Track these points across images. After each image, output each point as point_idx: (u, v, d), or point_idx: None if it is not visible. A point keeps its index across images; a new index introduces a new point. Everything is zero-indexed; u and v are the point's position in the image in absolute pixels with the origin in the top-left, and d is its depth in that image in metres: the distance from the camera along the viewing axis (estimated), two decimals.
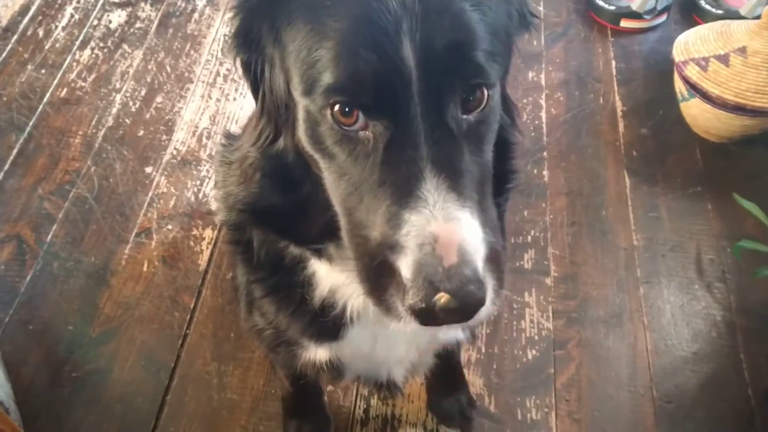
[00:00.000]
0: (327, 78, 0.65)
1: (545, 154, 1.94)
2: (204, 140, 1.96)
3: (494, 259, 0.63)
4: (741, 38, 1.79)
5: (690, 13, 2.30)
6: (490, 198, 0.71)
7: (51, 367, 1.54)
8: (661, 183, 1.89)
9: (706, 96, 1.81)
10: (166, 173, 1.88)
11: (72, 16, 2.29)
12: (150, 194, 1.84)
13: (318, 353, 1.01)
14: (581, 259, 1.73)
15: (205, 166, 1.90)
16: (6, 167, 1.88)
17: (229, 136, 0.98)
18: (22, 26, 2.25)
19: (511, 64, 0.80)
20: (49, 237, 1.75)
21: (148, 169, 1.89)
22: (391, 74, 0.62)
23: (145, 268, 1.70)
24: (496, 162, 0.76)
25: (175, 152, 1.93)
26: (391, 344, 1.00)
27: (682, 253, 1.75)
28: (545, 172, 1.89)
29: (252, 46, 0.74)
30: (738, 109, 1.78)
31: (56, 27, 2.25)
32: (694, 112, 1.90)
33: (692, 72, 1.83)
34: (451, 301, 0.59)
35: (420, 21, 0.62)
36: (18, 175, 1.87)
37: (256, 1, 0.72)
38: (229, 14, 0.75)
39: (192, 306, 1.63)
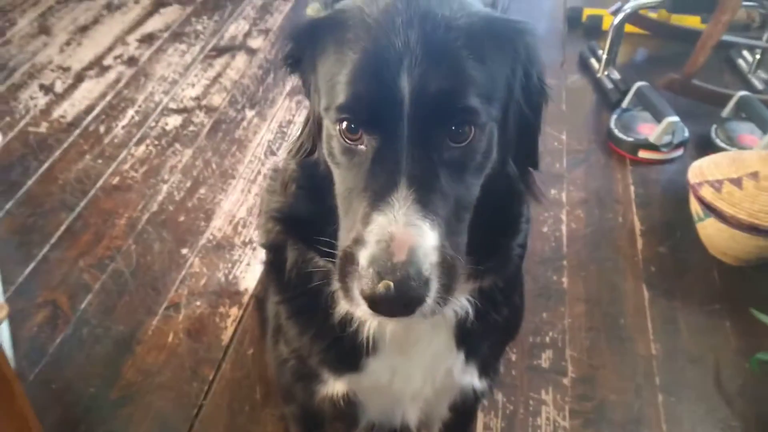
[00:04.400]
0: (339, 99, 0.77)
1: (565, 262, 2.00)
2: (240, 228, 2.07)
3: (446, 269, 0.73)
4: (753, 164, 1.90)
5: (705, 150, 2.43)
6: (463, 225, 0.80)
7: (67, 425, 1.56)
8: (679, 298, 1.92)
9: (721, 215, 1.89)
10: (200, 255, 1.98)
11: (132, 117, 2.51)
12: (183, 273, 1.92)
13: (336, 387, 1.04)
14: (599, 363, 1.74)
15: (238, 251, 2.00)
16: (53, 240, 2.00)
17: (276, 170, 1.08)
18: (85, 122, 2.47)
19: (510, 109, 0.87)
20: (83, 305, 1.82)
21: (184, 251, 1.99)
22: (387, 99, 0.74)
23: (170, 339, 1.75)
24: (505, 207, 0.86)
25: (211, 237, 2.04)
26: (409, 376, 1.03)
27: (701, 365, 1.75)
28: (564, 279, 1.95)
29: (300, 67, 0.88)
30: (752, 228, 1.85)
31: (117, 125, 2.46)
32: (711, 231, 1.97)
33: (707, 192, 1.92)
34: (390, 289, 0.68)
35: (419, 60, 0.74)
36: (62, 248, 1.98)
37: (301, 31, 0.85)
38: (283, 40, 0.90)
39: (211, 378, 1.66)
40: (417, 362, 1.02)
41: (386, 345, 0.97)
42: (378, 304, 0.70)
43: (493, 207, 0.86)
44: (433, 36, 0.75)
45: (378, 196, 0.73)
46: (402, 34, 0.75)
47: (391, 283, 0.68)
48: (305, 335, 1.01)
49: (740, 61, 2.93)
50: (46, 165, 2.27)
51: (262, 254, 1.19)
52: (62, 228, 2.04)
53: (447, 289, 0.74)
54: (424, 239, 0.71)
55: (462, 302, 0.94)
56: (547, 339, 1.80)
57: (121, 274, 1.91)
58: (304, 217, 0.92)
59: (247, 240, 2.03)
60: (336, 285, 0.77)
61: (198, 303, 1.85)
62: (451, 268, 0.74)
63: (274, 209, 0.93)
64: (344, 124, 0.78)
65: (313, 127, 0.89)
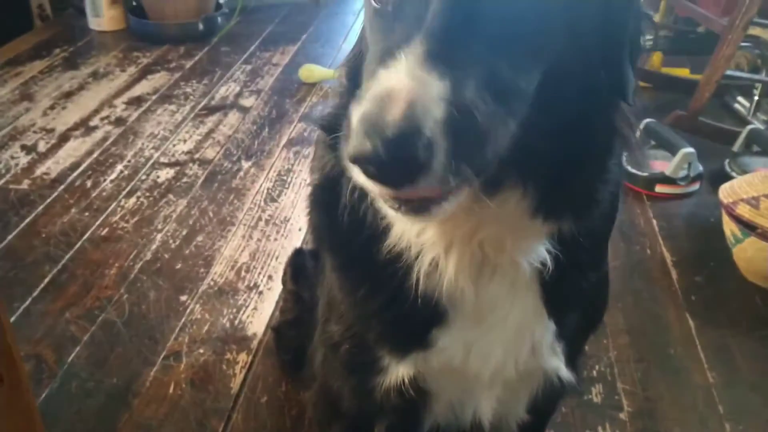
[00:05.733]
0: None
1: None
2: (243, 273, 1.89)
3: (461, 128, 0.57)
4: None
5: (722, 184, 2.35)
6: (507, 113, 0.63)
7: None
8: (726, 326, 1.77)
9: (762, 232, 1.78)
10: (201, 301, 1.79)
11: (121, 171, 2.36)
12: (183, 320, 1.72)
13: (400, 372, 0.86)
14: (656, 395, 1.56)
15: (243, 295, 1.81)
16: (35, 294, 1.80)
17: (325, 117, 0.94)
18: (70, 178, 2.31)
19: None
20: (71, 358, 1.61)
21: (183, 297, 1.80)
22: None
23: (171, 390, 1.53)
24: (589, 131, 0.71)
25: (212, 283, 1.85)
26: (487, 354, 0.86)
27: (763, 391, 1.58)
28: None
29: None
30: None
31: (105, 179, 2.31)
32: (750, 253, 1.85)
33: (744, 210, 1.82)
34: (378, 147, 0.55)
35: None
36: (47, 301, 1.78)
37: None
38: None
39: (220, 430, 1.44)
40: (497, 334, 0.85)
41: (459, 312, 0.80)
42: (367, 166, 0.57)
43: (572, 126, 0.70)
44: None
45: (389, 52, 0.60)
46: None
47: (378, 141, 0.55)
48: (359, 290, 0.84)
49: (737, 106, 2.92)
50: (28, 219, 2.09)
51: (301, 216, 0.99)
52: (46, 280, 1.85)
53: (464, 157, 0.58)
54: (427, 90, 0.57)
55: (540, 252, 0.79)
56: (595, 373, 1.62)
57: (112, 324, 1.71)
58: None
59: (252, 284, 1.85)
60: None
61: (201, 350, 1.64)
62: (469, 128, 0.58)
63: (324, 116, 0.80)
64: None
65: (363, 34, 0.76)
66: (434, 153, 0.56)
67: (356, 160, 0.57)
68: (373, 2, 0.68)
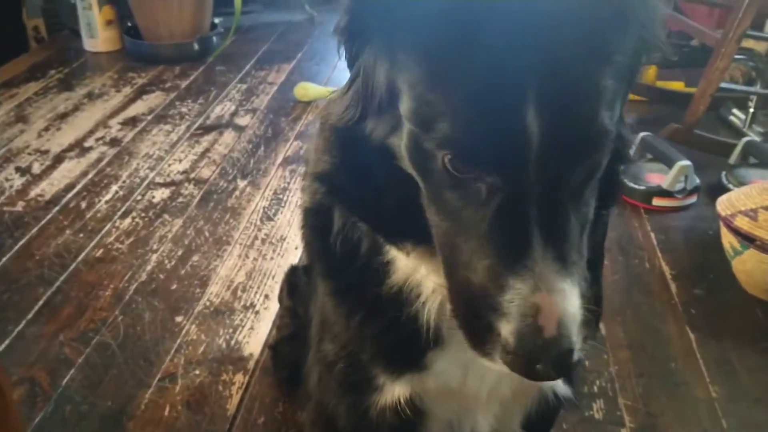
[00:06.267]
0: (444, 128, 0.62)
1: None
2: (239, 293, 1.88)
3: (587, 322, 0.66)
4: None
5: (719, 197, 2.34)
6: (585, 248, 0.68)
7: None
8: (728, 339, 1.76)
9: (761, 245, 1.77)
10: (197, 322, 1.77)
11: (116, 192, 2.35)
12: (178, 341, 1.70)
13: (396, 391, 0.85)
14: (657, 410, 1.54)
15: (239, 315, 1.79)
16: (29, 316, 1.78)
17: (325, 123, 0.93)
18: (65, 200, 2.30)
19: None
20: (65, 381, 1.58)
21: (179, 318, 1.78)
22: (513, 140, 0.60)
23: (166, 413, 1.51)
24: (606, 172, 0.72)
25: (208, 303, 1.84)
26: (483, 373, 0.85)
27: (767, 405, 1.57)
28: (601, 325, 1.77)
29: (361, 40, 0.71)
30: None
31: (99, 200, 2.30)
32: (750, 266, 1.84)
33: (742, 222, 1.81)
34: (547, 371, 0.63)
35: (549, 86, 0.59)
36: (40, 323, 1.76)
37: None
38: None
39: None
40: None
41: (456, 335, 0.79)
42: (529, 375, 0.65)
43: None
44: (561, 44, 0.60)
45: (509, 253, 0.63)
46: (527, 45, 0.59)
47: (547, 366, 0.63)
48: (354, 316, 0.82)
49: (732, 118, 2.93)
50: (22, 242, 2.08)
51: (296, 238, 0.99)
52: (40, 303, 1.83)
53: (588, 334, 0.67)
54: (571, 304, 0.63)
55: None
56: (595, 388, 1.60)
57: (107, 346, 1.69)
58: (350, 189, 0.77)
59: (248, 304, 1.84)
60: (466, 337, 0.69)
61: (197, 372, 1.62)
62: (591, 320, 0.67)
63: (319, 172, 0.78)
64: (450, 157, 0.63)
65: (368, 98, 0.71)
66: (577, 351, 0.64)
67: (522, 375, 0.65)
68: (452, 171, 0.64)
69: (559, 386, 0.92)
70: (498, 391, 0.89)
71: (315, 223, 0.88)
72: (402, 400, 0.87)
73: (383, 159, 0.72)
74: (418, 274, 0.79)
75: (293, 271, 1.48)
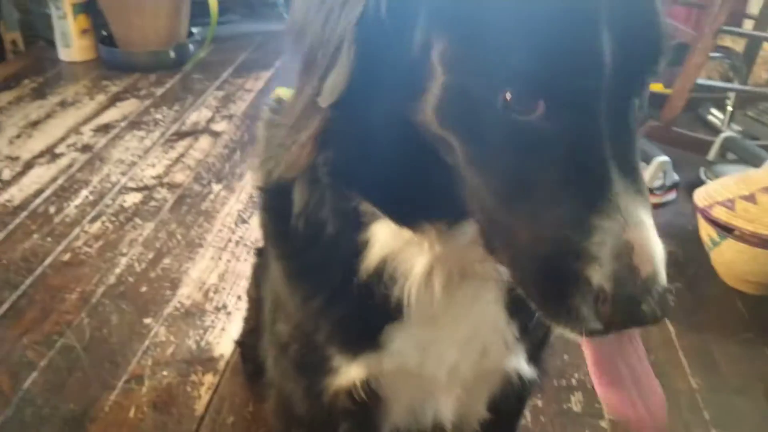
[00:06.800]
0: (512, 60, 0.57)
1: None
2: (211, 294, 1.83)
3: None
4: (763, 180, 1.79)
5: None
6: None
7: None
8: (708, 330, 1.73)
9: (739, 234, 1.75)
10: (166, 324, 1.72)
11: (86, 197, 2.30)
12: (146, 343, 1.65)
13: (352, 373, 0.80)
14: None
15: (210, 316, 1.75)
16: None
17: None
18: (33, 205, 2.24)
19: None
20: (27, 384, 1.53)
21: (147, 320, 1.73)
22: (587, 67, 0.57)
23: (131, 414, 1.46)
24: None
25: (179, 305, 1.79)
26: (442, 354, 0.81)
27: (748, 396, 1.54)
28: None
29: None
30: None
31: (69, 205, 2.25)
32: (728, 257, 1.81)
33: (720, 213, 1.79)
34: (653, 311, 0.57)
35: (618, 7, 0.57)
36: (4, 327, 1.70)
37: None
38: None
39: None
40: (452, 335, 0.80)
41: (412, 312, 0.75)
42: (625, 326, 0.60)
43: None
44: None
45: (590, 193, 0.58)
46: None
47: (653, 307, 0.57)
48: (316, 297, 0.78)
49: (711, 118, 2.93)
50: None
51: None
52: (4, 307, 1.77)
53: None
54: (656, 236, 0.59)
55: None
56: (574, 381, 1.56)
57: (71, 349, 1.63)
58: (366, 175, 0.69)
59: (220, 305, 1.79)
60: (545, 307, 0.63)
61: (165, 373, 1.57)
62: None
63: (324, 163, 0.69)
64: (513, 94, 0.57)
65: (352, 52, 0.61)
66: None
67: (623, 325, 0.59)
68: (510, 112, 0.58)
69: (523, 367, 0.88)
70: (458, 372, 0.84)
71: (273, 203, 0.84)
72: (358, 383, 0.82)
73: (397, 133, 0.65)
74: (403, 253, 0.74)
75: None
